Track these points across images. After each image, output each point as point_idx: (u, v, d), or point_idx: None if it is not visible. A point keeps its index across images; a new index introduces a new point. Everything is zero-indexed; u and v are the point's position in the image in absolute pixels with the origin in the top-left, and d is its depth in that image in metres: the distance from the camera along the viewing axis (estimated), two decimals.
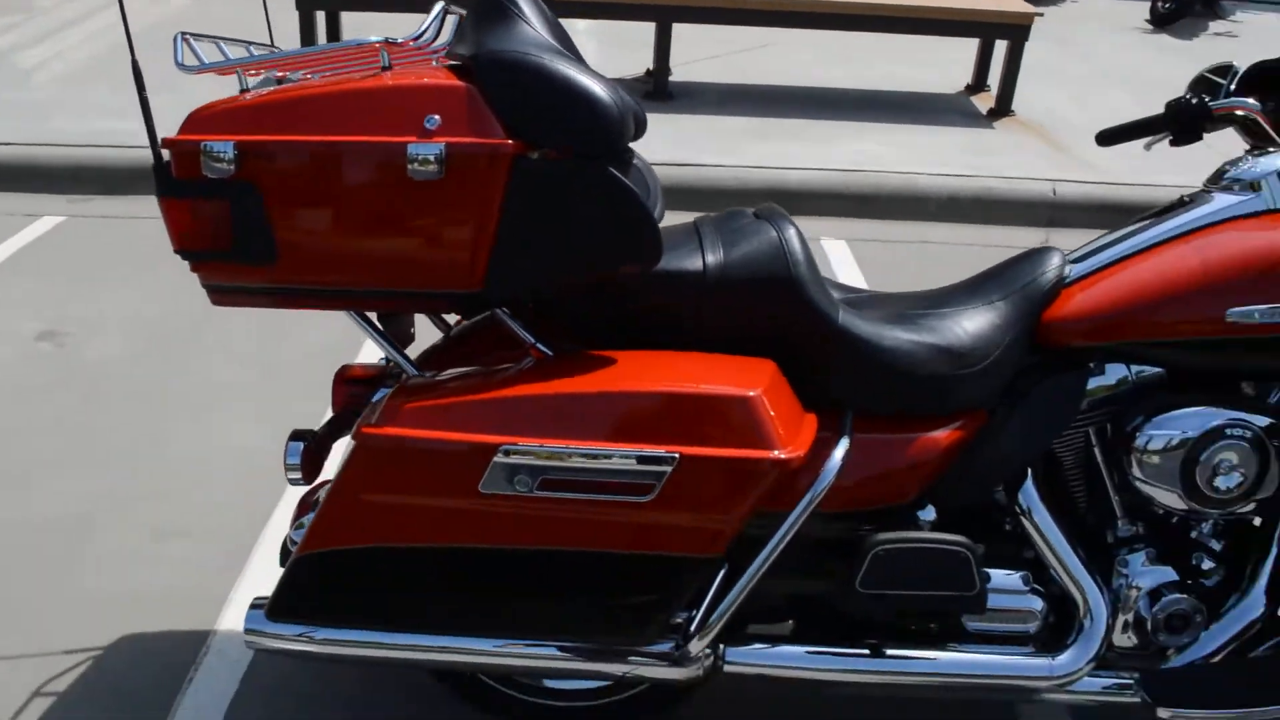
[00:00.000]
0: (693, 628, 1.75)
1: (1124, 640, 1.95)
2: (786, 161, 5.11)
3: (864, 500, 1.79)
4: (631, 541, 1.63)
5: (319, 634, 1.76)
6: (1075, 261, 1.92)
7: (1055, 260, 1.91)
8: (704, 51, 6.96)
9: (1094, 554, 1.94)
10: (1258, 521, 1.96)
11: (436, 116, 1.53)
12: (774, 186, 4.94)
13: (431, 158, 1.52)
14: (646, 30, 6.05)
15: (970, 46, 6.55)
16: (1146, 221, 1.92)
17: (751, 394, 1.59)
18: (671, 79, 6.19)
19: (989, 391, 1.84)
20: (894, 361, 1.77)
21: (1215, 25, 9.34)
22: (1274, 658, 1.92)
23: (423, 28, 1.67)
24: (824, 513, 1.78)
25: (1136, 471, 1.84)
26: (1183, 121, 1.99)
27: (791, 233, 1.78)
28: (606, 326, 1.76)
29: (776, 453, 1.58)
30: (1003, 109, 6.10)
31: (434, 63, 1.75)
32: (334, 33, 6.16)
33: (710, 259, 1.74)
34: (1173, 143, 2.01)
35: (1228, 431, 1.79)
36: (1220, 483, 1.80)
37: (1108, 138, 2.14)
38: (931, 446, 1.80)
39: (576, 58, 1.68)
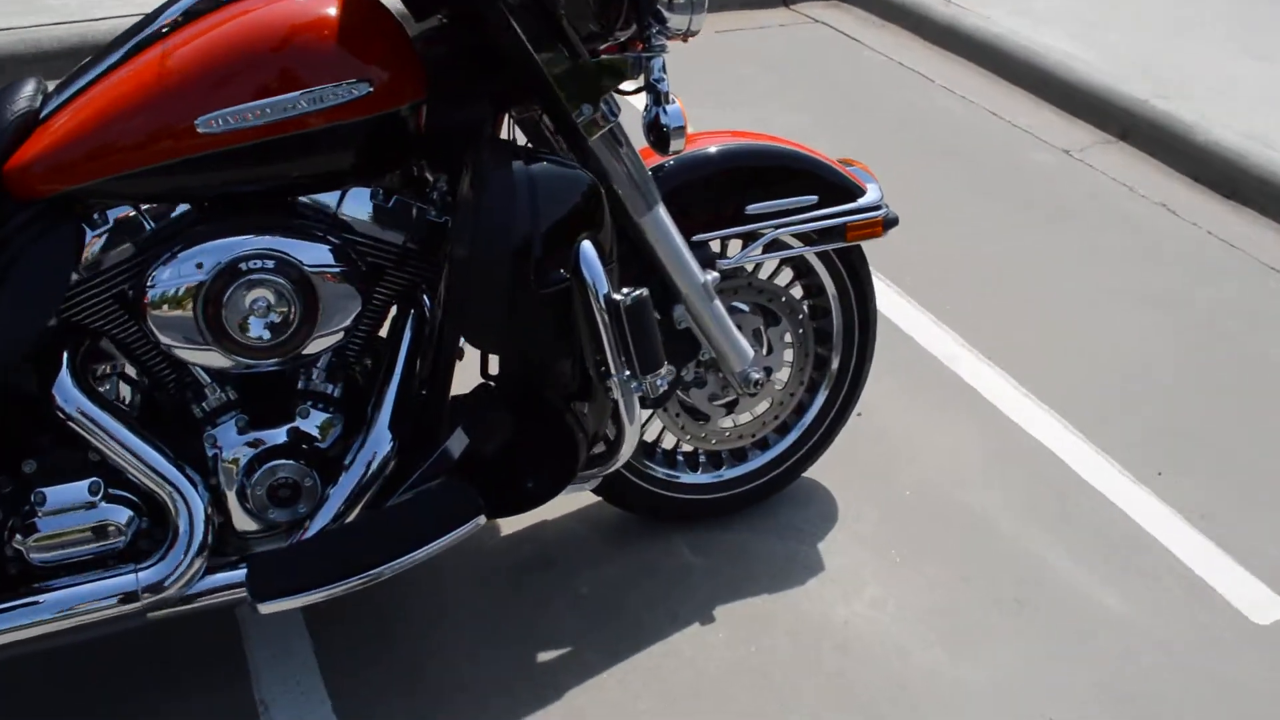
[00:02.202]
0: None
1: (247, 525, 1.67)
2: None
3: None
4: None
5: None
6: (60, 90, 1.50)
7: (28, 90, 1.48)
8: None
9: (186, 436, 1.61)
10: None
11: None
12: None
13: None
14: None
15: None
16: (135, 28, 1.53)
17: None
18: None
19: None
20: None
21: None
22: (405, 504, 1.70)
23: None
24: None
25: (161, 336, 1.50)
26: None
27: None
28: None
29: None
30: None
31: None
32: None
33: None
34: None
35: (244, 266, 1.48)
36: (257, 327, 1.51)
37: None
38: None
39: None
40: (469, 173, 1.49)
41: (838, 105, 4.04)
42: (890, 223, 2.01)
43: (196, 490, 1.57)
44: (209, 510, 1.59)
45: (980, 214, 3.39)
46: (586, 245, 1.50)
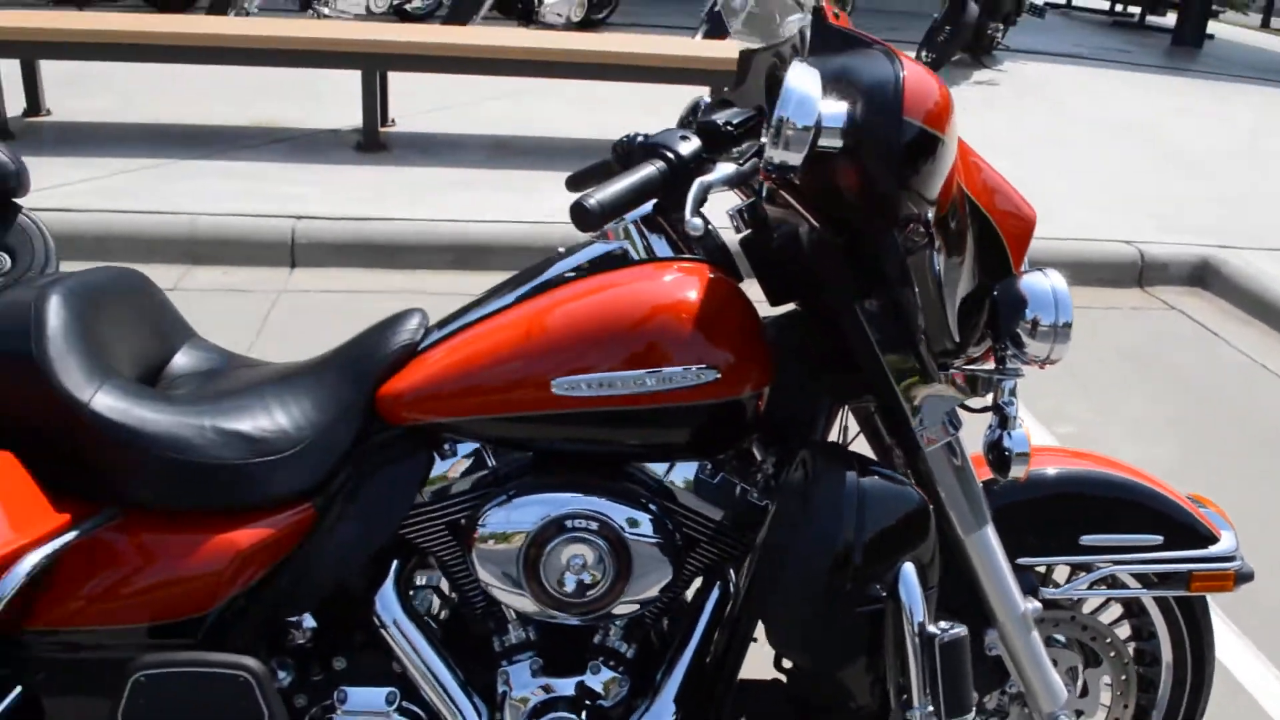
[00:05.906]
0: None
1: None
2: (482, 214, 4.86)
3: (148, 612, 1.51)
4: None
5: None
6: (441, 325, 1.65)
7: (413, 323, 1.64)
8: (451, 99, 6.72)
9: (479, 665, 1.66)
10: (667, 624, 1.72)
11: None
12: (460, 241, 4.67)
13: None
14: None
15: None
16: (519, 276, 1.67)
17: None
18: (394, 130, 5.96)
19: (309, 480, 1.55)
20: (152, 449, 1.47)
21: (979, 73, 9.50)
22: None
23: None
24: (101, 628, 1.49)
25: (481, 571, 1.56)
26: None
27: (54, 300, 1.48)
28: None
29: None
30: None
31: None
32: None
33: None
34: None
35: (569, 524, 1.53)
36: (571, 582, 1.54)
37: (575, 181, 1.90)
38: (228, 548, 1.51)
39: None
40: (800, 470, 1.49)
41: (1189, 409, 3.78)
42: (1244, 578, 1.81)
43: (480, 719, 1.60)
44: None
45: None
46: (908, 568, 1.45)
